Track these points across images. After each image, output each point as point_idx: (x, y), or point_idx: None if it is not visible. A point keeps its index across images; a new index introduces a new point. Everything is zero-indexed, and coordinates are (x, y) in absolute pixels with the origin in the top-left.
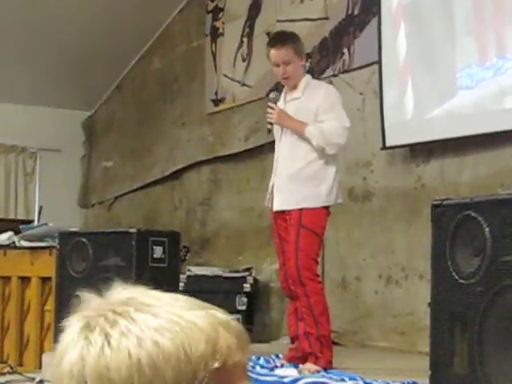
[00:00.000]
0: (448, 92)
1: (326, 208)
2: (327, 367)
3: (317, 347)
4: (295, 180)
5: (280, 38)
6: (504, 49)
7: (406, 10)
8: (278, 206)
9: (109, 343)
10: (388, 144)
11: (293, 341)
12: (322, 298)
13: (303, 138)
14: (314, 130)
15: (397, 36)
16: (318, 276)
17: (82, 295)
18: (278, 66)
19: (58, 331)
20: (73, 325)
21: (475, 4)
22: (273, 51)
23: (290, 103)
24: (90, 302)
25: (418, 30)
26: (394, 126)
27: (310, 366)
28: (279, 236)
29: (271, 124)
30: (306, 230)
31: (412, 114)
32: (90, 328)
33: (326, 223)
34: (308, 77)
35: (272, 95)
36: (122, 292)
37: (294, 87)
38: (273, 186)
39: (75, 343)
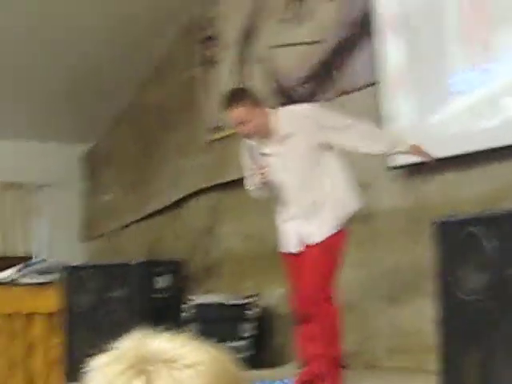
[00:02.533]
0: (441, 98)
1: (343, 230)
2: None
3: (326, 369)
4: (317, 211)
5: (231, 100)
6: (494, 53)
7: (397, 21)
8: (296, 246)
9: None
10: (390, 164)
11: (302, 365)
12: (336, 321)
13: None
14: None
15: (387, 49)
16: (332, 298)
17: (119, 341)
18: (238, 125)
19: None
20: (110, 365)
21: (464, 10)
22: (228, 113)
23: (283, 144)
24: (125, 348)
25: (408, 39)
26: None
27: None
28: (295, 266)
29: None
30: (323, 251)
31: (409, 124)
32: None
33: (344, 244)
34: (278, 110)
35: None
36: (155, 343)
37: (272, 131)
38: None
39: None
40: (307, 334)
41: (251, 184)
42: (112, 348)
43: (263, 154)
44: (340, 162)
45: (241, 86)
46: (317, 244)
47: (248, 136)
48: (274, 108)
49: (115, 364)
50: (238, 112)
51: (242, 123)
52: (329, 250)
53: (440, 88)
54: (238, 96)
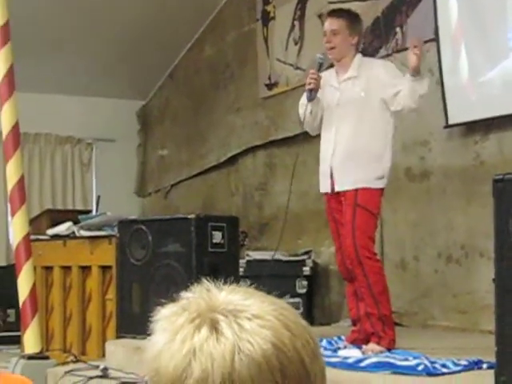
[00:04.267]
0: (501, 54)
1: (382, 189)
2: (390, 347)
3: (379, 327)
4: (357, 158)
5: (338, 10)
6: None
7: None
8: (328, 187)
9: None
10: (450, 122)
11: (354, 323)
12: (382, 278)
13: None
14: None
15: (448, 1)
16: (375, 255)
17: (184, 293)
18: (326, 34)
19: (121, 318)
20: (177, 314)
21: None
22: (327, 19)
23: (347, 82)
24: (191, 299)
25: None
26: (452, 104)
27: (373, 346)
28: (334, 219)
29: (311, 90)
30: (362, 208)
31: (467, 79)
32: (211, 323)
33: (381, 203)
34: (360, 56)
35: (319, 55)
36: (221, 294)
37: (345, 67)
38: (330, 168)
39: (193, 333)
40: (355, 294)
41: (303, 102)
42: (174, 299)
43: (330, 85)
44: (391, 122)
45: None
46: (350, 193)
47: (328, 47)
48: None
49: (182, 313)
50: (334, 22)
51: (331, 32)
52: (366, 207)
53: (500, 43)
54: (344, 11)
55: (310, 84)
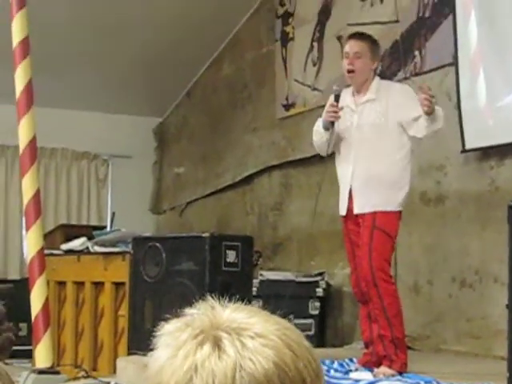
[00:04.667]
0: None
1: (400, 211)
2: (402, 370)
3: (391, 350)
4: (376, 183)
5: (360, 33)
6: None
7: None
8: (345, 209)
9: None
10: (467, 147)
11: (367, 345)
12: (396, 300)
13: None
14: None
15: (467, 25)
16: (391, 277)
17: (188, 310)
18: (347, 58)
19: (133, 335)
20: (180, 330)
21: None
22: (349, 41)
23: (365, 105)
24: (195, 316)
25: (489, 16)
26: (469, 128)
27: (384, 369)
28: (350, 241)
29: (332, 123)
30: (379, 231)
31: (485, 103)
32: (212, 339)
33: (399, 226)
34: (378, 79)
35: (336, 87)
36: (225, 312)
37: (364, 89)
38: (349, 190)
39: (195, 349)
40: (369, 316)
41: (318, 125)
42: (182, 315)
43: (348, 107)
44: (408, 146)
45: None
46: (368, 215)
47: (349, 70)
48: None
49: (186, 329)
50: (360, 44)
51: (353, 55)
52: (383, 229)
53: None
54: (366, 34)
55: (330, 117)
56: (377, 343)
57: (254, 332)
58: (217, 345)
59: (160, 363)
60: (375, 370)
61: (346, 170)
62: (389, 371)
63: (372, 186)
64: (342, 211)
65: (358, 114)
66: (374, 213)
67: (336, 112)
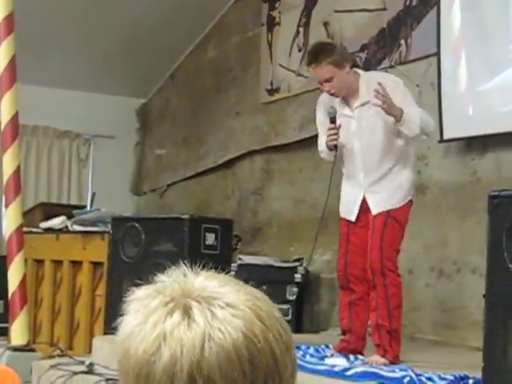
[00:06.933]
0: (501, 65)
1: (411, 200)
2: (394, 362)
3: (386, 340)
4: (388, 183)
5: (314, 56)
6: None
7: None
8: (356, 215)
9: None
10: (445, 137)
11: (344, 333)
12: (400, 292)
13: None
14: (413, 113)
15: (451, 11)
16: (397, 268)
17: (160, 276)
18: (321, 83)
19: (110, 315)
20: (150, 297)
21: None
22: (311, 71)
23: (360, 109)
24: (166, 283)
25: (473, 1)
26: (451, 118)
27: (376, 358)
28: (348, 226)
29: (335, 146)
30: (393, 220)
31: (465, 87)
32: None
33: (408, 216)
34: (364, 75)
35: (330, 110)
36: (197, 280)
37: (354, 94)
38: (363, 195)
39: (166, 315)
40: (349, 305)
41: (321, 144)
42: (152, 282)
43: (343, 115)
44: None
45: (328, 40)
46: (380, 214)
47: (333, 94)
48: (358, 69)
49: (156, 296)
50: (322, 70)
51: (325, 81)
52: (395, 220)
53: (501, 54)
54: (320, 54)
55: (331, 141)
56: (373, 332)
57: (224, 302)
58: (187, 313)
59: (129, 329)
60: (360, 357)
61: (357, 177)
62: (381, 360)
63: (385, 187)
64: (351, 217)
65: (355, 119)
66: (389, 210)
67: (336, 134)
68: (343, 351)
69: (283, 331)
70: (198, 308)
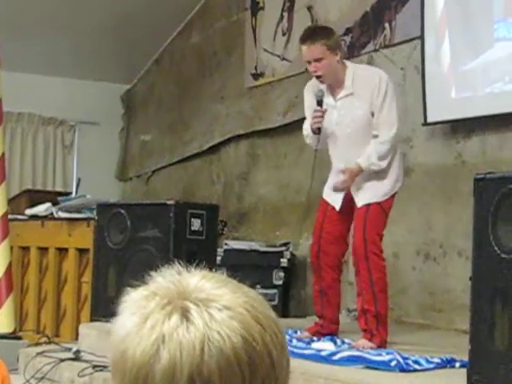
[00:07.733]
0: (485, 44)
1: (396, 192)
2: (382, 346)
3: (373, 325)
4: (368, 177)
5: (310, 34)
6: None
7: None
8: (340, 203)
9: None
10: (429, 120)
11: (319, 318)
12: (384, 276)
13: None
14: (366, 159)
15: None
16: (382, 252)
17: (153, 276)
18: (310, 63)
19: (96, 302)
20: (147, 299)
21: None
22: (303, 48)
23: (344, 100)
24: (162, 284)
25: None
26: (434, 101)
27: (364, 342)
28: (324, 214)
29: (319, 129)
30: (376, 204)
31: (448, 66)
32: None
33: (392, 204)
34: (352, 66)
35: (318, 93)
36: (193, 280)
37: (339, 84)
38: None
39: (162, 317)
40: (320, 293)
41: (306, 128)
42: (147, 283)
43: (327, 104)
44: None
45: (325, 26)
46: (365, 205)
47: (315, 75)
48: (346, 59)
49: (153, 298)
50: (313, 49)
51: (314, 61)
52: (379, 203)
53: (484, 33)
54: (317, 33)
55: (316, 123)
56: (359, 316)
57: (221, 304)
58: (185, 316)
59: (126, 331)
60: (347, 341)
61: (338, 167)
62: (368, 344)
63: (369, 180)
64: (336, 205)
65: (337, 110)
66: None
67: (322, 117)
68: (317, 335)
69: (278, 331)
70: (196, 311)
